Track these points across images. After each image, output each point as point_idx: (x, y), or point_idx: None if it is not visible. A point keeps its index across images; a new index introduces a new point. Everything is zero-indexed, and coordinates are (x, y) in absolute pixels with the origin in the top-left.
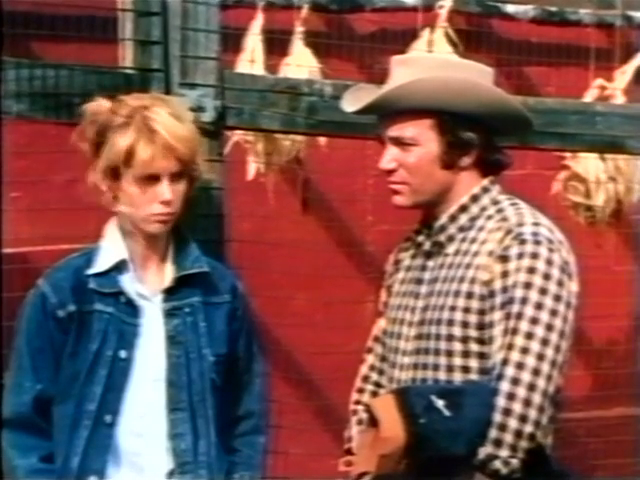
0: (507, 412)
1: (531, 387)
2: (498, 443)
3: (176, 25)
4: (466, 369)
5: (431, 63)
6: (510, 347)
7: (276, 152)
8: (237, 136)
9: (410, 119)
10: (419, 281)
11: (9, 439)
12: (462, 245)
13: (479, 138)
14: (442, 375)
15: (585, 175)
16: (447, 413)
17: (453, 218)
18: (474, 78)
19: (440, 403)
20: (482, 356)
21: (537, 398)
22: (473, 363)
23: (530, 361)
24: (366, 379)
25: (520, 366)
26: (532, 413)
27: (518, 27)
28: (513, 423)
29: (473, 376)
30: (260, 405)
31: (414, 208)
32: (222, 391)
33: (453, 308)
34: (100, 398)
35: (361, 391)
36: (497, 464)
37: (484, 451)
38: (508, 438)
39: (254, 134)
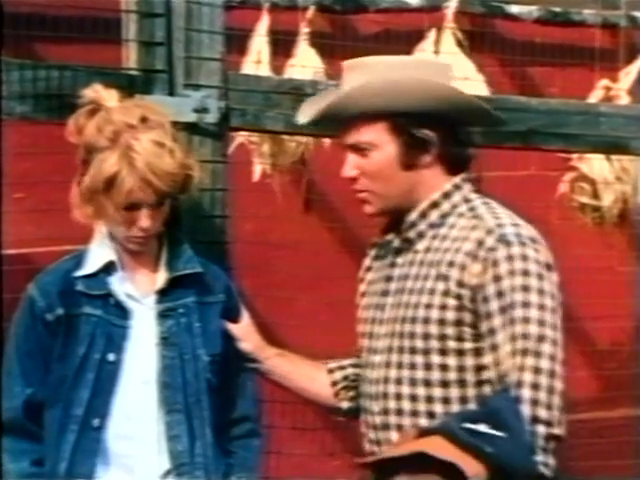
0: (535, 419)
1: (550, 390)
2: (532, 450)
3: (180, 26)
4: (444, 367)
5: (381, 65)
6: (524, 353)
7: (281, 153)
8: (242, 137)
9: (364, 124)
10: (388, 278)
11: (1, 443)
12: (433, 242)
13: (438, 135)
14: (420, 374)
15: (592, 176)
16: (501, 434)
17: (424, 214)
18: (425, 76)
19: (484, 428)
20: (460, 353)
21: (556, 400)
22: (451, 361)
23: (545, 364)
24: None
25: (537, 371)
26: (555, 415)
27: (522, 28)
28: (541, 429)
29: (452, 374)
30: (254, 409)
31: (384, 215)
32: (217, 392)
33: (428, 306)
34: (87, 402)
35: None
36: (541, 469)
37: None
38: (540, 443)
39: (259, 135)
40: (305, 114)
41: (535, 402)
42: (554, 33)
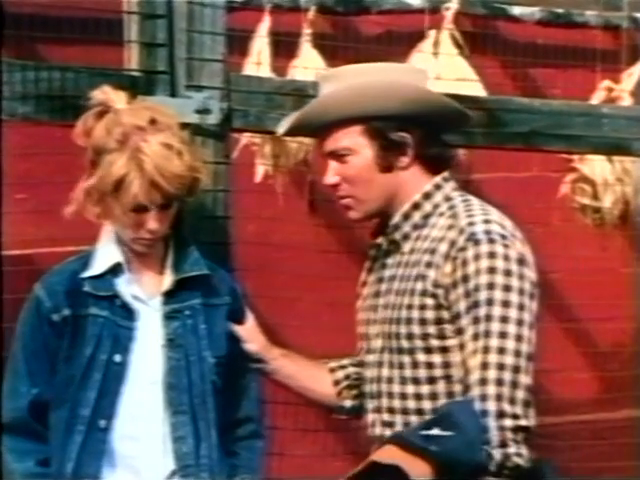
0: (501, 414)
1: (514, 384)
2: (504, 443)
3: (182, 27)
4: (430, 365)
5: (352, 73)
6: (486, 350)
7: (284, 154)
8: (245, 138)
9: (340, 130)
10: (380, 280)
11: (6, 443)
12: (416, 243)
13: (414, 136)
14: (408, 372)
15: (592, 177)
16: (450, 433)
17: (407, 216)
18: (396, 79)
19: (436, 431)
20: (444, 350)
21: (521, 393)
22: (436, 358)
23: (509, 360)
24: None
25: (501, 367)
26: (520, 408)
27: (524, 29)
28: (508, 422)
29: (438, 371)
30: (258, 410)
31: (369, 219)
32: (222, 394)
33: (410, 306)
34: (94, 403)
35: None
36: (515, 460)
37: (497, 454)
38: (509, 435)
39: (262, 136)
40: (283, 125)
41: (499, 397)
42: (556, 34)
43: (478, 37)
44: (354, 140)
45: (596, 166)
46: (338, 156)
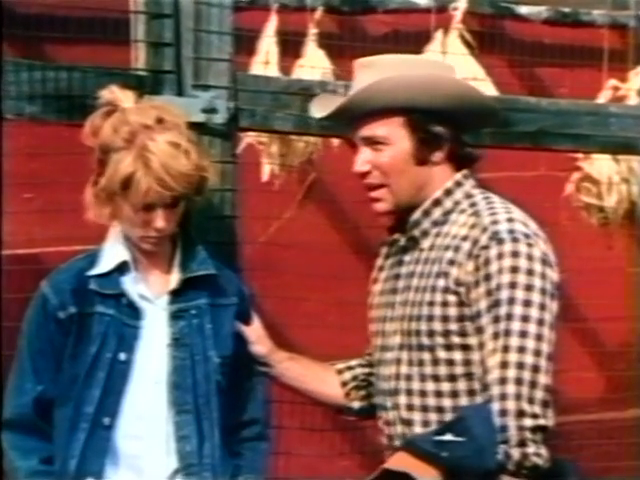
0: (520, 413)
1: (533, 384)
2: (522, 443)
3: (188, 27)
4: (450, 362)
5: (393, 63)
6: (506, 349)
7: (290, 154)
8: (251, 137)
9: (380, 119)
10: (397, 276)
11: (10, 440)
12: (437, 240)
13: (449, 132)
14: (428, 370)
15: (597, 176)
16: (461, 439)
17: (427, 213)
18: (438, 73)
19: (448, 437)
20: (465, 348)
21: (540, 393)
22: (457, 356)
23: (529, 359)
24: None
25: (520, 366)
26: (539, 408)
27: (531, 28)
28: (528, 422)
29: (458, 368)
30: (263, 412)
31: (395, 213)
32: (226, 395)
33: (431, 303)
34: (98, 401)
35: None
36: (534, 459)
37: (515, 453)
38: (528, 435)
39: (268, 135)
40: (320, 110)
41: (519, 396)
42: (563, 34)
43: (485, 36)
44: (394, 130)
45: (603, 165)
46: (373, 143)
